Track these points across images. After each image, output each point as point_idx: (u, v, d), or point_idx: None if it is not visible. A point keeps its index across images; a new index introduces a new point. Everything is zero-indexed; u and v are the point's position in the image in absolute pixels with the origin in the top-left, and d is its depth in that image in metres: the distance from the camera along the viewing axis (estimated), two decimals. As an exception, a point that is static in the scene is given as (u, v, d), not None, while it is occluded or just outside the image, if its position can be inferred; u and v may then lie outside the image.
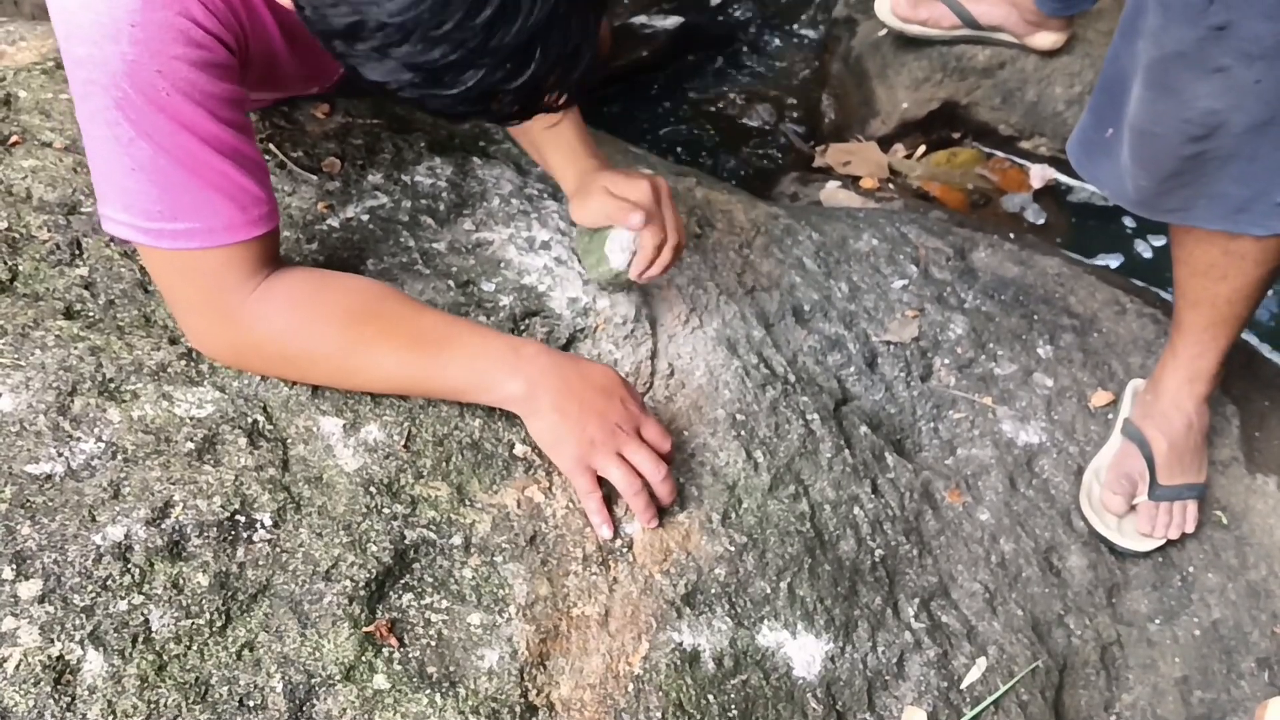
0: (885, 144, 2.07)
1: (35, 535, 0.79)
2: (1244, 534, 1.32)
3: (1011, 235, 1.71)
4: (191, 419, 0.90)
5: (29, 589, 0.77)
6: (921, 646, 1.07)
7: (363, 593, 0.85)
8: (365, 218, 1.14)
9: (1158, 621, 1.25)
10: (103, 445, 0.86)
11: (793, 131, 2.15)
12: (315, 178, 1.15)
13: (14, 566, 0.78)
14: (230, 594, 0.81)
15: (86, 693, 0.74)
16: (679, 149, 2.08)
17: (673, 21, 2.23)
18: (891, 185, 1.98)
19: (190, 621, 0.79)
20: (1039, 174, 2.00)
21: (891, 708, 1.02)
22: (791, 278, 1.37)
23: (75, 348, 0.91)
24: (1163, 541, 1.28)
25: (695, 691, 0.91)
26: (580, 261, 1.17)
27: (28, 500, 0.81)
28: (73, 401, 0.88)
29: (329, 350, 0.93)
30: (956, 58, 2.01)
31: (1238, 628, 1.25)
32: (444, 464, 0.95)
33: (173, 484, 0.85)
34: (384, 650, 0.83)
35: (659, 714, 0.88)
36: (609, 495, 0.98)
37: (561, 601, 0.91)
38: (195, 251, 0.86)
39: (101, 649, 0.76)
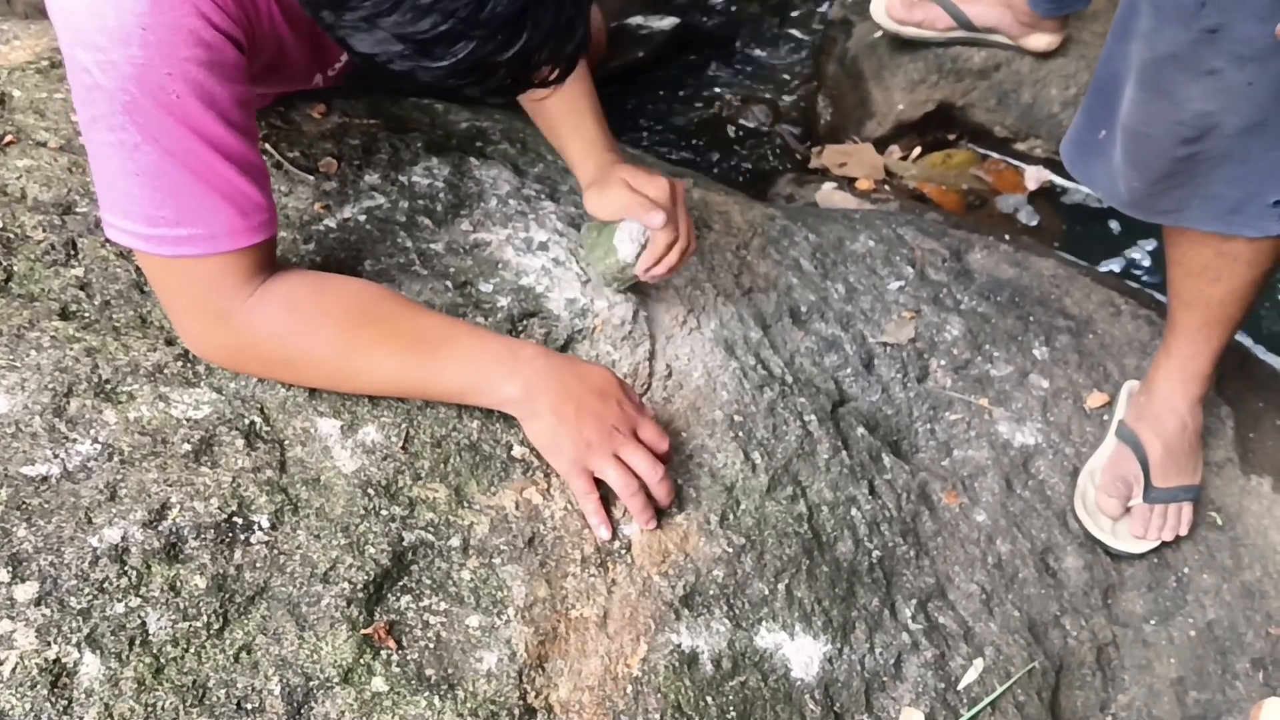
0: (881, 145, 2.07)
1: (31, 537, 0.79)
2: (1238, 535, 1.33)
3: (1006, 237, 1.72)
4: (188, 420, 0.90)
5: (25, 591, 0.77)
6: (919, 648, 1.07)
7: (361, 595, 0.84)
8: (362, 218, 1.14)
9: (1153, 622, 1.26)
10: (99, 447, 0.86)
11: (788, 133, 2.15)
12: (312, 178, 1.15)
13: (10, 569, 0.77)
14: (228, 596, 0.81)
15: (83, 696, 0.73)
16: (675, 150, 2.09)
17: (669, 22, 2.23)
18: (887, 187, 1.98)
19: (188, 624, 0.79)
20: (1034, 175, 2.01)
21: (889, 709, 1.02)
22: (788, 279, 1.38)
23: (71, 349, 0.91)
24: (1156, 543, 1.28)
25: (694, 693, 0.91)
26: (584, 255, 1.17)
27: (24, 502, 0.81)
28: (69, 403, 0.88)
29: (326, 353, 0.92)
30: (952, 59, 2.01)
31: (1233, 628, 1.26)
32: (442, 465, 0.95)
33: (170, 486, 0.85)
34: (382, 652, 0.83)
35: (657, 716, 0.88)
36: (608, 497, 0.98)
37: (560, 603, 0.91)
38: (196, 258, 0.86)
39: (98, 652, 0.76)
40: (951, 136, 2.09)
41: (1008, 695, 1.09)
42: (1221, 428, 1.40)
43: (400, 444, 0.95)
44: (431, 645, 0.85)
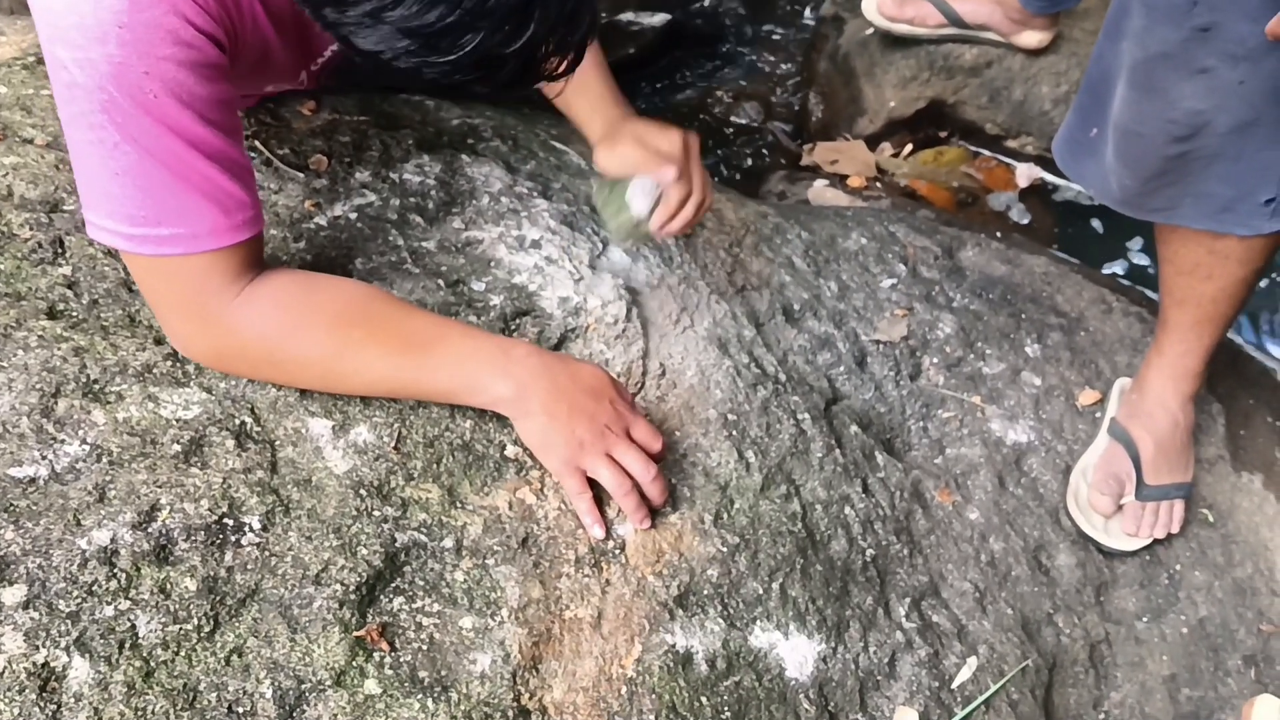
0: (872, 142, 2.07)
1: (19, 540, 0.78)
2: (1230, 532, 1.33)
3: (998, 234, 1.72)
4: (178, 421, 0.89)
5: (13, 594, 0.76)
6: (913, 646, 1.07)
7: (353, 596, 0.84)
8: (353, 216, 1.13)
9: (1145, 619, 1.26)
10: (87, 448, 0.85)
11: (780, 130, 2.15)
12: (302, 175, 1.14)
13: (-3, 572, 0.76)
14: (218, 599, 0.80)
15: (72, 700, 0.73)
16: (666, 147, 2.08)
17: (660, 18, 2.23)
18: (879, 184, 1.98)
19: (178, 627, 0.78)
20: (1025, 173, 2.01)
21: (883, 708, 1.02)
22: (781, 277, 1.37)
23: (58, 348, 0.90)
24: (1149, 541, 1.29)
25: (688, 693, 0.91)
26: (597, 213, 1.13)
27: (11, 504, 0.80)
28: (56, 403, 0.86)
29: (317, 354, 0.92)
30: (943, 56, 2.01)
31: (1224, 625, 1.26)
32: (435, 466, 0.95)
33: (159, 487, 0.84)
34: (375, 655, 0.82)
35: (652, 716, 0.88)
36: (601, 497, 0.97)
37: (554, 604, 0.91)
38: (179, 257, 0.85)
39: (88, 655, 0.75)
40: (943, 134, 2.09)
41: (1001, 693, 1.09)
42: (1213, 425, 1.41)
43: (392, 444, 0.94)
44: (425, 647, 0.84)
